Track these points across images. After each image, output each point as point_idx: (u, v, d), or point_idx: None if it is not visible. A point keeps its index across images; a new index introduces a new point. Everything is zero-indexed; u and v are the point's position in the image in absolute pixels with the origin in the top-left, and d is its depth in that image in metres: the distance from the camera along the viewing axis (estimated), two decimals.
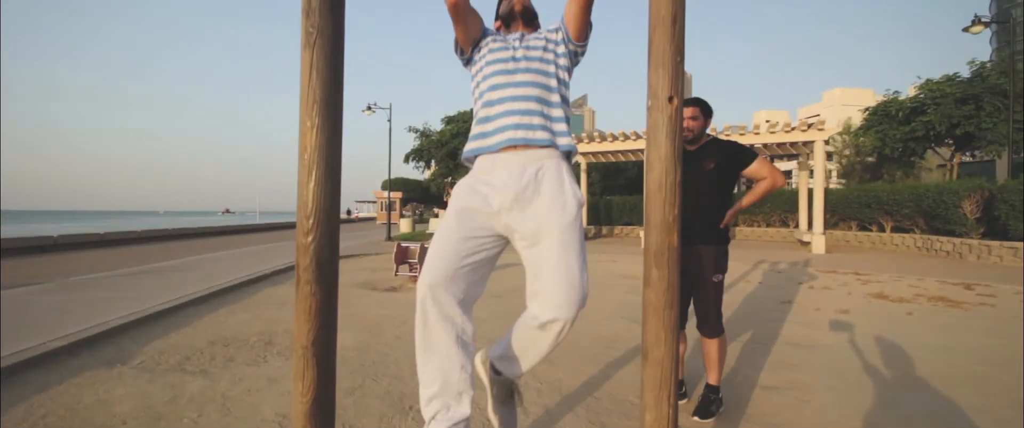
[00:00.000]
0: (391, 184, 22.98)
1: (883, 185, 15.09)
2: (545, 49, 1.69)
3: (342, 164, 1.46)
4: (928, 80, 14.38)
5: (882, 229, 14.02)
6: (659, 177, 1.51)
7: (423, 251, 7.33)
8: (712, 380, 2.68)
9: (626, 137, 15.68)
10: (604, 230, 20.01)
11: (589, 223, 19.60)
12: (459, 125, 22.49)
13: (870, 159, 18.73)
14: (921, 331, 4.43)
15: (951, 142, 14.02)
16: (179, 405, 2.74)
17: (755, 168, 2.62)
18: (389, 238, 16.86)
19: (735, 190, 2.76)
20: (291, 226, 31.41)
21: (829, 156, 22.72)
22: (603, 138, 16.45)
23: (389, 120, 17.87)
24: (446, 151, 23.55)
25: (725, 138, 2.75)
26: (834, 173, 25.86)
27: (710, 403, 2.62)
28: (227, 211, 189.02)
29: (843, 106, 65.24)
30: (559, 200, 1.59)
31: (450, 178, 25.04)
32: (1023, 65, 12.32)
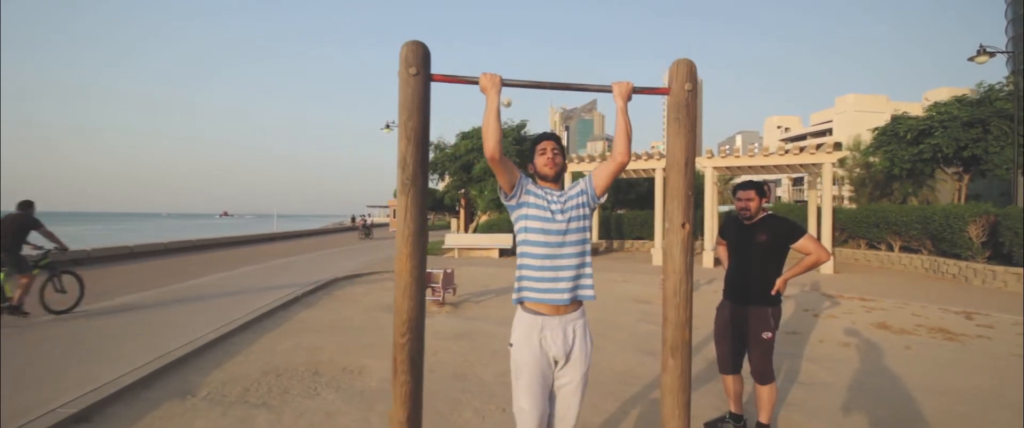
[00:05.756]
0: None
1: (892, 206, 15.28)
2: (583, 218, 2.10)
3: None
4: (936, 103, 14.66)
5: (891, 249, 14.23)
6: (674, 284, 1.93)
7: (445, 276, 7.74)
8: (763, 419, 3.18)
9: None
10: (615, 244, 20.29)
11: (599, 238, 19.93)
12: (474, 141, 23.04)
13: (878, 177, 19.00)
14: (916, 368, 4.76)
15: (959, 164, 14.26)
16: None
17: (802, 244, 3.13)
18: None
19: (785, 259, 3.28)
20: (303, 235, 32.16)
21: (839, 166, 22.86)
22: None
23: None
24: (460, 164, 24.05)
25: (780, 215, 3.27)
26: (845, 183, 26.02)
27: None
28: (225, 214, 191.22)
29: (856, 112, 64.88)
30: (582, 356, 2.13)
31: (463, 190, 25.56)
32: None
